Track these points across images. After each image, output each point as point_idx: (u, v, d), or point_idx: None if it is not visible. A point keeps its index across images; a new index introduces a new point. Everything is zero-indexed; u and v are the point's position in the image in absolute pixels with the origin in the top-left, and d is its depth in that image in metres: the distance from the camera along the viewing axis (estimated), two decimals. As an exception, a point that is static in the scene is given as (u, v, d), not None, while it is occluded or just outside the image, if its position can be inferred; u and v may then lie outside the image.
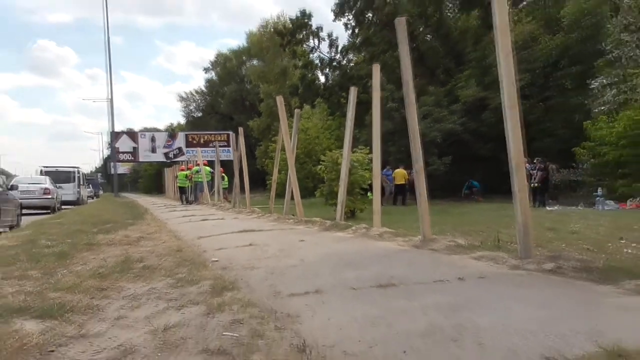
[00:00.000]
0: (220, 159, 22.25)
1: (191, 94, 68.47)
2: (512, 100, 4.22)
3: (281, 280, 3.78)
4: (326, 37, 30.39)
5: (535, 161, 16.36)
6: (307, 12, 30.45)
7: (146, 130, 56.11)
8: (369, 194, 12.49)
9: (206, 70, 63.53)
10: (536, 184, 16.40)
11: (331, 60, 30.88)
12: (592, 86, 17.39)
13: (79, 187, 28.13)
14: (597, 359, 1.91)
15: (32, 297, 3.28)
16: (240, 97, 57.21)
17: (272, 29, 44.77)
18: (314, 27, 30.33)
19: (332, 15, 28.46)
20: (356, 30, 28.46)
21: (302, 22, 30.32)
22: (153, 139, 46.62)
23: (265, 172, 32.17)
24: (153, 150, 45.88)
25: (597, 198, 15.89)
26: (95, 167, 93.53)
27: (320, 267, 4.28)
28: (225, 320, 2.68)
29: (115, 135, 44.15)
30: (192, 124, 63.69)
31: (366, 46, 27.42)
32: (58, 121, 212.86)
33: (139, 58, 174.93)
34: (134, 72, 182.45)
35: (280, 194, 13.23)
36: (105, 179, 67.16)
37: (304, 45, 31.52)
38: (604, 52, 17.78)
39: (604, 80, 16.85)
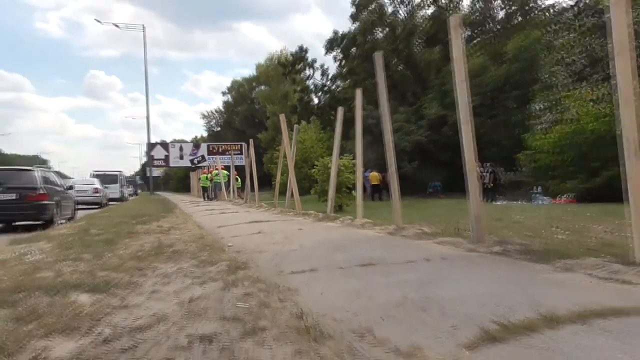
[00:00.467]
0: (235, 164, 22.26)
1: (212, 112, 68.77)
2: (466, 117, 4.22)
3: (284, 261, 3.75)
4: (319, 68, 30.40)
5: (484, 166, 16.43)
6: (304, 47, 30.71)
7: (176, 141, 55.87)
8: (353, 192, 12.50)
9: (224, 93, 64.52)
10: (489, 185, 16.47)
11: (323, 86, 30.84)
12: (533, 108, 17.43)
13: (122, 187, 27.94)
14: (536, 323, 1.90)
15: (84, 275, 3.25)
16: (251, 115, 57.35)
17: (276, 61, 44.94)
18: (309, 59, 30.40)
19: (324, 51, 28.85)
20: (343, 62, 28.77)
21: (300, 55, 30.38)
22: (181, 149, 46.99)
23: (270, 175, 31.94)
24: (181, 157, 46.16)
25: (535, 195, 15.99)
26: (135, 171, 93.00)
27: (314, 251, 4.25)
28: (239, 293, 2.65)
29: (151, 146, 43.93)
30: (213, 136, 63.81)
31: (351, 75, 27.53)
32: (106, 134, 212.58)
33: (171, 84, 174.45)
34: (167, 96, 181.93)
35: (282, 192, 13.19)
36: (143, 181, 66.65)
37: (302, 74, 31.55)
38: (539, 79, 17.95)
39: (541, 105, 16.90)
